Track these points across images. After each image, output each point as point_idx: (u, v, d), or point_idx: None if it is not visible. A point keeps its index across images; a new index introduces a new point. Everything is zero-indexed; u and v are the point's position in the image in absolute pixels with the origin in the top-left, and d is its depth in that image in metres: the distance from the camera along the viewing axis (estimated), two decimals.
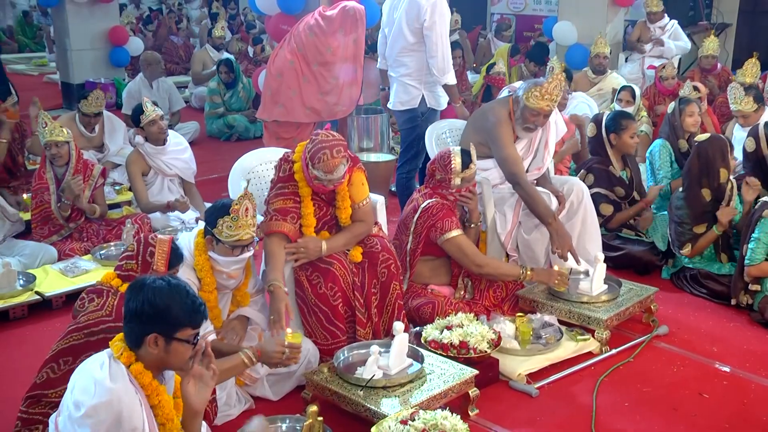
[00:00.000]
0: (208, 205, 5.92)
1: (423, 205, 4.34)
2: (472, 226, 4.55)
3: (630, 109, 6.67)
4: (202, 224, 5.44)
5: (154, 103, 5.77)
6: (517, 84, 5.04)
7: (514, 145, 4.77)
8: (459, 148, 4.42)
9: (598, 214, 5.18)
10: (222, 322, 3.67)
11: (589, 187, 5.16)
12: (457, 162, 4.33)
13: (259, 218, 3.89)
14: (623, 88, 7.08)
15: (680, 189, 5.11)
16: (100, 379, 2.42)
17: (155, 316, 2.47)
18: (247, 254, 3.57)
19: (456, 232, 4.27)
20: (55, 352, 3.15)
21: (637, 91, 6.98)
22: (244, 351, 3.20)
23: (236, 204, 3.43)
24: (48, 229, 5.34)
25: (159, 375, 2.58)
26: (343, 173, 3.86)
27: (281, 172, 4.00)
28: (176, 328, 2.50)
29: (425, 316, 4.15)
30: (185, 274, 3.42)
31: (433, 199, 4.36)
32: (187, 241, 3.57)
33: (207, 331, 3.39)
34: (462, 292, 4.40)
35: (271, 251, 3.84)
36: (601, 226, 5.11)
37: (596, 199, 5.20)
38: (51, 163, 5.36)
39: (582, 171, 5.43)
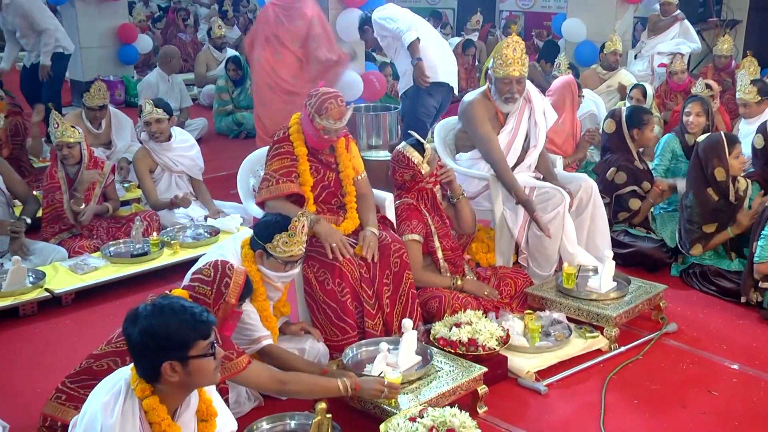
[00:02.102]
0: (217, 202, 5.99)
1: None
2: (459, 199, 4.50)
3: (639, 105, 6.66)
4: (219, 221, 5.55)
5: (155, 105, 5.72)
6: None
7: (488, 124, 4.84)
8: (403, 143, 4.41)
9: (628, 209, 5.33)
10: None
11: (623, 185, 5.29)
12: (414, 154, 4.31)
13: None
14: (635, 86, 7.07)
15: (688, 188, 5.10)
16: (108, 425, 2.34)
17: (159, 343, 2.35)
18: (296, 270, 3.59)
19: (408, 237, 4.24)
20: (121, 349, 3.07)
21: (649, 90, 6.95)
22: (343, 380, 3.22)
23: (295, 221, 3.43)
24: (59, 227, 5.35)
25: (182, 401, 2.50)
26: (346, 122, 4.04)
27: (276, 136, 4.15)
28: (187, 347, 2.37)
29: (432, 310, 4.14)
30: None
31: (402, 200, 4.36)
32: (234, 251, 3.55)
33: (263, 335, 3.42)
34: (458, 282, 4.37)
35: (287, 206, 3.93)
36: (625, 221, 5.35)
37: (628, 196, 5.33)
38: (62, 162, 5.38)
39: (612, 169, 5.37)
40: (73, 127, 5.39)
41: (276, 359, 3.44)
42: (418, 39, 6.24)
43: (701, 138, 5.08)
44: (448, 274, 4.37)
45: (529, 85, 4.91)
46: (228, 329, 3.18)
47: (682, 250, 5.05)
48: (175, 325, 2.36)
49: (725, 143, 4.89)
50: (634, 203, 5.34)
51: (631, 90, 7.07)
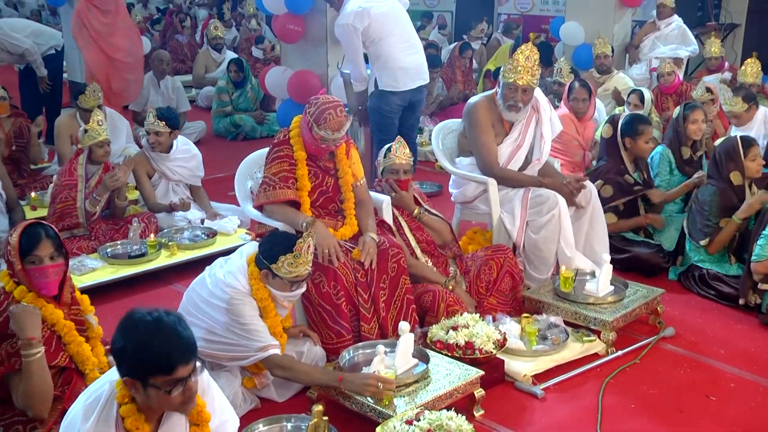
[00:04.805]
0: (214, 204, 5.98)
1: None
2: (418, 218, 4.48)
3: (639, 113, 6.65)
4: (216, 223, 5.56)
5: (158, 117, 5.68)
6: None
7: (490, 133, 4.82)
8: (399, 140, 4.51)
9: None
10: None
11: (609, 199, 5.20)
12: (383, 150, 4.45)
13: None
14: (632, 91, 7.06)
15: (708, 182, 5.07)
16: (84, 430, 2.31)
17: (122, 358, 2.31)
18: (302, 290, 3.57)
19: None
20: None
21: (647, 95, 6.94)
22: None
23: (301, 242, 3.39)
24: (64, 225, 5.26)
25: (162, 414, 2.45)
26: (346, 131, 4.03)
27: (276, 139, 4.16)
28: (146, 374, 2.27)
29: (426, 304, 4.13)
30: (246, 300, 3.43)
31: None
32: (241, 268, 3.51)
33: (271, 344, 3.41)
34: (452, 284, 4.35)
35: (284, 209, 3.98)
36: None
37: (607, 210, 5.20)
38: (90, 160, 5.36)
39: (599, 181, 5.29)
40: (99, 123, 5.40)
41: (289, 370, 3.44)
42: (366, 89, 6.43)
43: (719, 141, 5.03)
44: (430, 265, 4.40)
45: (539, 94, 4.88)
46: (45, 287, 3.03)
47: (693, 243, 5.00)
48: (143, 348, 2.28)
49: (740, 147, 4.88)
50: (610, 218, 5.20)
51: (629, 95, 7.06)
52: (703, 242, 4.93)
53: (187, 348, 2.33)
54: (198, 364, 2.38)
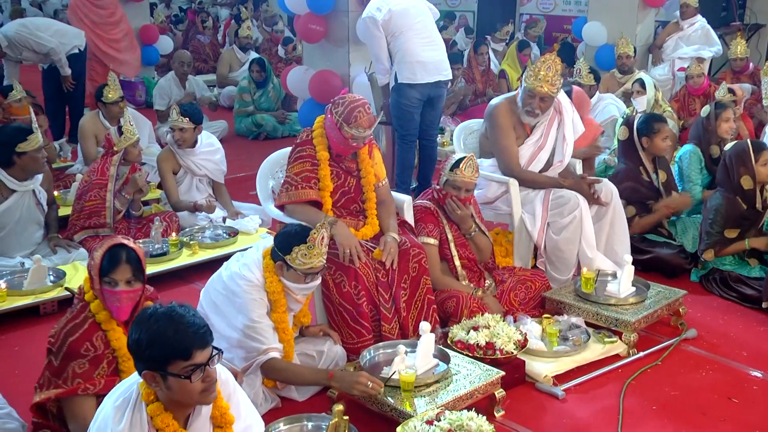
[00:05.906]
0: (236, 203, 6.02)
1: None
2: (471, 235, 4.42)
3: (642, 99, 6.64)
4: (238, 222, 5.59)
5: (181, 113, 5.69)
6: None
7: (511, 135, 4.82)
8: (471, 154, 4.41)
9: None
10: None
11: (632, 217, 5.19)
12: (451, 161, 4.36)
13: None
14: (636, 80, 7.05)
15: (716, 190, 5.03)
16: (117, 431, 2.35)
17: (139, 351, 2.33)
18: (317, 282, 3.58)
19: (423, 240, 4.24)
20: None
21: (648, 81, 6.88)
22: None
23: (314, 233, 3.41)
24: (90, 222, 5.28)
25: (189, 409, 2.46)
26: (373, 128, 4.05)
27: (299, 139, 4.16)
28: (164, 363, 2.30)
29: (449, 310, 4.12)
30: (257, 295, 3.45)
31: (420, 202, 4.42)
32: (256, 261, 3.53)
33: (272, 347, 3.42)
34: (479, 294, 4.34)
35: (306, 208, 3.99)
36: None
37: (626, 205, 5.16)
38: (124, 159, 5.41)
39: (622, 201, 5.14)
40: (130, 124, 5.46)
41: (281, 372, 3.45)
42: (389, 83, 6.43)
43: (728, 146, 5.02)
44: (466, 282, 4.36)
45: (561, 95, 4.87)
46: (117, 312, 3.06)
47: (698, 251, 4.99)
48: (156, 337, 2.31)
49: (751, 151, 4.84)
50: (629, 210, 5.17)
51: (632, 84, 7.06)
52: (706, 255, 4.89)
53: (202, 332, 2.37)
54: (215, 352, 2.40)
